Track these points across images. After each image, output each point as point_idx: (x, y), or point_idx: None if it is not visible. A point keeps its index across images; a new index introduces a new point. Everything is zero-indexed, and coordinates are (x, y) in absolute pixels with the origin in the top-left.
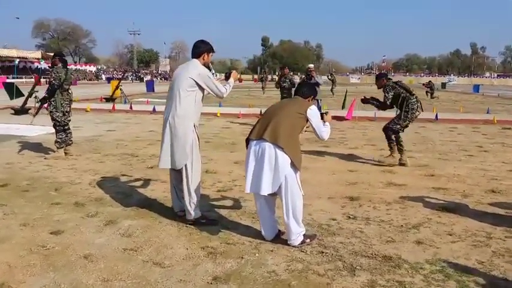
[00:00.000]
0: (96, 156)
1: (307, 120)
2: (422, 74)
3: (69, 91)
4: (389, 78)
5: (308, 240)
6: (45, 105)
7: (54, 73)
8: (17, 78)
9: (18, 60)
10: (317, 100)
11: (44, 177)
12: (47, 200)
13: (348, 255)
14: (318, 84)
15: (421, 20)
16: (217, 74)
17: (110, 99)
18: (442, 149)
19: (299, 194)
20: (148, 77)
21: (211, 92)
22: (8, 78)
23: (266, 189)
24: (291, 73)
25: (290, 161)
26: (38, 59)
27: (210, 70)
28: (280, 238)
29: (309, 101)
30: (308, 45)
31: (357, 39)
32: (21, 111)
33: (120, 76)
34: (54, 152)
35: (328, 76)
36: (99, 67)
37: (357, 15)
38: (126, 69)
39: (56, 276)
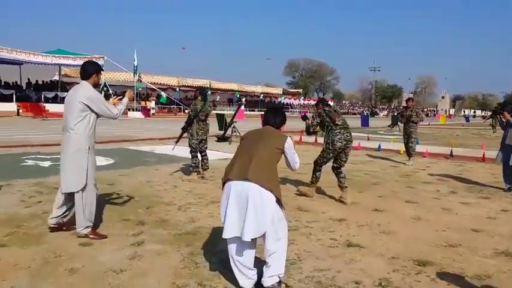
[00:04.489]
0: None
1: (283, 153)
2: None
3: (206, 121)
4: (328, 104)
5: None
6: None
7: (192, 105)
8: (260, 111)
9: (262, 95)
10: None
11: (155, 196)
12: (124, 216)
13: None
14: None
15: None
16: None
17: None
18: None
19: (286, 233)
20: (385, 112)
21: (103, 115)
22: (253, 111)
23: (250, 234)
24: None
25: (275, 199)
26: (279, 94)
27: (108, 90)
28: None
29: (281, 130)
30: None
31: None
32: (222, 139)
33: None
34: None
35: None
36: (344, 102)
37: None
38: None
39: (26, 280)
